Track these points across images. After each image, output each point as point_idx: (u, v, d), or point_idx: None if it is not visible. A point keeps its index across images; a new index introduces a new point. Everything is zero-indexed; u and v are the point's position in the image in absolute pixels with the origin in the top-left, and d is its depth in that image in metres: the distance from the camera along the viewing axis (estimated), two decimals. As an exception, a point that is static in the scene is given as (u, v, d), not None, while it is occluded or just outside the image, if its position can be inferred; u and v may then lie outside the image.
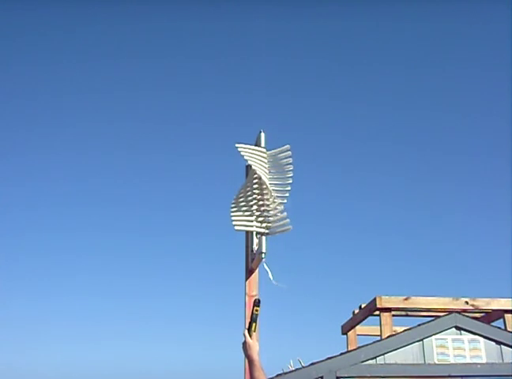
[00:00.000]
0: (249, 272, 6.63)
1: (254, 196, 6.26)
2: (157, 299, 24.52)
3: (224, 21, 21.37)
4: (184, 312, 24.55)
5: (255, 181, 6.26)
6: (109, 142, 24.57)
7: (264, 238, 6.08)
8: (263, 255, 5.99)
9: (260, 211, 6.20)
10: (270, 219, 6.09)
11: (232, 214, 6.31)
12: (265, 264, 6.07)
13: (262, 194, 6.17)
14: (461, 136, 22.65)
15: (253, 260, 6.49)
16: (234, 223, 6.29)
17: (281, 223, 6.00)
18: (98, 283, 25.07)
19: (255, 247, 6.42)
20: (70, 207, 24.76)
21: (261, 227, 6.13)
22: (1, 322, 22.53)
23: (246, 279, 6.62)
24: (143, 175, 25.24)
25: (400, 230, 22.81)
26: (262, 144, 6.43)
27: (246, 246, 6.84)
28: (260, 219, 6.18)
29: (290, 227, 5.95)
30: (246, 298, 6.52)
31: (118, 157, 24.53)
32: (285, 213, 5.98)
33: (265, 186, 6.07)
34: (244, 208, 6.29)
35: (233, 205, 6.38)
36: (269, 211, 6.12)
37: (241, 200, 6.37)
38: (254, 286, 6.58)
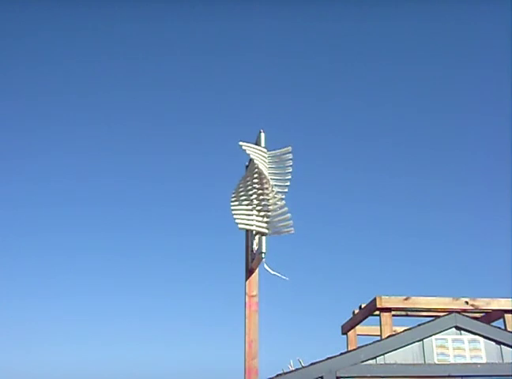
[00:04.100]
0: (249, 272, 6.64)
1: (254, 190, 6.26)
2: (157, 299, 24.53)
3: (225, 21, 21.37)
4: (184, 312, 24.55)
5: (256, 175, 6.27)
6: (109, 142, 24.56)
7: (264, 238, 6.09)
8: (263, 255, 5.99)
9: (261, 205, 6.20)
10: (270, 213, 6.09)
11: (233, 207, 6.31)
12: (265, 265, 6.08)
13: (262, 188, 6.17)
14: (462, 136, 22.65)
15: (253, 260, 6.49)
16: (235, 216, 6.30)
17: (284, 223, 6.01)
18: (98, 283, 25.08)
19: (255, 247, 6.43)
20: (70, 207, 24.76)
21: (261, 226, 6.14)
22: (1, 322, 22.52)
23: (246, 279, 6.62)
24: (143, 175, 25.26)
25: (401, 231, 22.81)
26: (262, 144, 6.44)
27: (246, 246, 6.84)
28: (261, 213, 6.19)
29: (292, 229, 5.96)
30: (246, 298, 6.53)
31: (118, 157, 24.55)
32: (286, 208, 5.99)
33: (265, 180, 6.07)
34: (245, 202, 6.30)
35: (233, 197, 6.38)
36: (268, 205, 6.12)
37: (241, 192, 6.37)
38: (254, 286, 6.59)
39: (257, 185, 6.22)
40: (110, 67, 23.58)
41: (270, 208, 6.12)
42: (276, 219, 6.06)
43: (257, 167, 6.11)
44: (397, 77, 23.07)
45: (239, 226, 6.27)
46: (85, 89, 23.66)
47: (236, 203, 6.34)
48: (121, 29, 22.83)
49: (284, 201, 6.04)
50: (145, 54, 23.49)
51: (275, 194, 6.03)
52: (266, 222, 6.09)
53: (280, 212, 6.05)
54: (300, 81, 23.46)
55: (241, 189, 6.36)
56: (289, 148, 6.27)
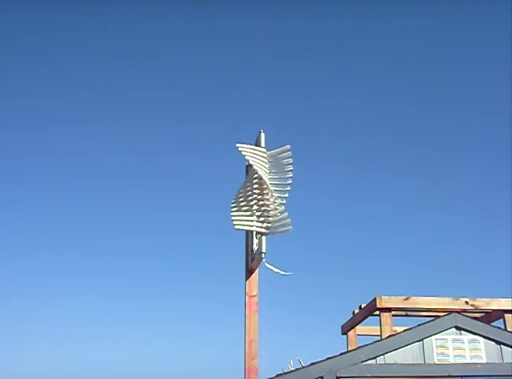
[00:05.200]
0: (249, 272, 6.63)
1: (255, 195, 6.27)
2: (157, 299, 24.53)
3: (225, 21, 21.37)
4: (184, 312, 24.55)
5: (255, 180, 6.27)
6: (109, 142, 24.56)
7: (264, 238, 6.09)
8: (263, 255, 5.99)
9: (260, 210, 6.20)
10: (270, 218, 6.09)
11: (232, 213, 6.32)
12: (266, 264, 6.07)
13: (262, 193, 6.17)
14: (462, 136, 22.65)
15: (253, 260, 6.48)
16: (234, 222, 6.30)
17: (282, 222, 6.00)
18: (98, 283, 25.08)
19: (255, 247, 6.43)
20: (70, 207, 24.76)
21: (261, 227, 6.14)
22: (1, 322, 22.51)
23: (246, 279, 6.62)
24: (144, 175, 25.26)
25: (401, 230, 22.81)
26: (262, 144, 6.44)
27: (246, 246, 6.84)
28: (261, 218, 6.19)
29: (290, 227, 5.96)
30: (246, 298, 6.53)
31: (118, 157, 24.55)
32: (286, 213, 5.98)
33: (265, 186, 6.07)
34: (244, 208, 6.30)
35: (233, 204, 6.38)
36: (269, 210, 6.12)
37: (241, 199, 6.37)
38: (254, 286, 6.59)
39: (257, 191, 6.21)
40: (109, 67, 23.59)
41: (271, 213, 6.11)
42: (276, 225, 6.05)
43: (257, 173, 6.10)
44: (397, 77, 23.08)
45: (236, 227, 6.29)
46: (86, 89, 23.67)
47: (236, 209, 6.33)
48: (121, 29, 22.85)
49: (283, 207, 6.03)
50: (145, 54, 23.51)
51: (275, 199, 6.02)
52: (266, 227, 6.09)
53: (280, 217, 6.04)
54: (300, 81, 23.48)
55: (241, 196, 6.35)
56: (287, 147, 6.24)
